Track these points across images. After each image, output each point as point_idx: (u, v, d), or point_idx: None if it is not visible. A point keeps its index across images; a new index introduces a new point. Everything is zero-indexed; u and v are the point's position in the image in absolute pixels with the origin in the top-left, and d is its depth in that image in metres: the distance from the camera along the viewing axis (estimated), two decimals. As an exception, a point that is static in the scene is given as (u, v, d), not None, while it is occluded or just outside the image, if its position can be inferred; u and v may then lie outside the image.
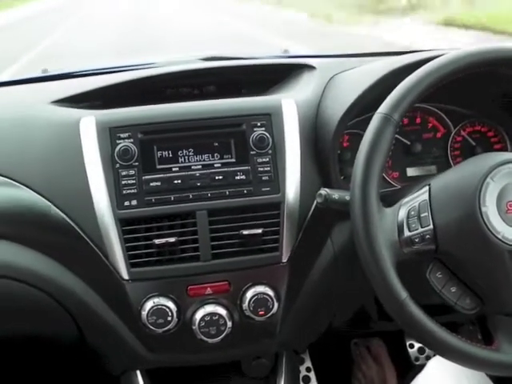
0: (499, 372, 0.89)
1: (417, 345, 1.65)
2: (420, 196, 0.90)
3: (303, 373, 1.58)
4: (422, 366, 1.59)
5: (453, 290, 0.87)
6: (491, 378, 0.98)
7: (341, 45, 7.86)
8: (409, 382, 1.19)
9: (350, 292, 1.15)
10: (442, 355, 0.88)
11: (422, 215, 0.87)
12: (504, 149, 1.23)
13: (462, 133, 1.23)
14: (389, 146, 0.88)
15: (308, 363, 1.59)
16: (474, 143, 1.23)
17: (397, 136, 1.16)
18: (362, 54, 1.41)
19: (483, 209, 0.84)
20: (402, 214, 0.89)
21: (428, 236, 0.86)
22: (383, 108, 0.88)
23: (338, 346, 1.67)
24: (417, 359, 1.63)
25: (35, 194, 1.02)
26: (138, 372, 1.14)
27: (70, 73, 1.39)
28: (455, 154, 1.23)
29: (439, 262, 0.88)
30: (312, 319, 1.14)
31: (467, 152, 1.21)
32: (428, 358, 1.60)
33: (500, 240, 0.83)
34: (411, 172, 1.21)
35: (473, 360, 0.85)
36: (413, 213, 0.88)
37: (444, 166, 1.19)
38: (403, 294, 0.84)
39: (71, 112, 1.09)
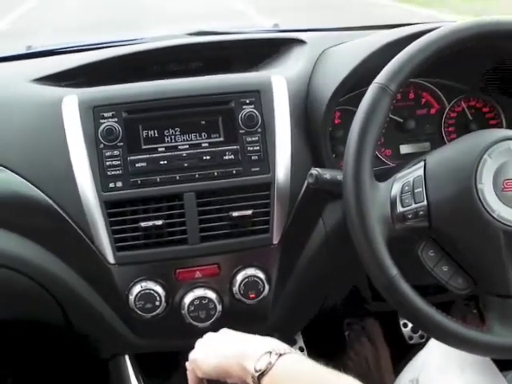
0: (487, 354, 0.88)
1: (410, 324, 1.64)
2: (415, 171, 0.88)
3: None
4: (415, 345, 1.60)
5: (445, 269, 0.86)
6: (495, 362, 0.96)
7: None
8: (403, 361, 1.17)
9: (343, 273, 1.13)
10: (430, 334, 0.86)
11: (416, 191, 0.85)
12: (499, 125, 1.21)
13: (458, 108, 1.20)
14: (384, 118, 0.85)
15: (300, 343, 1.58)
16: (470, 117, 1.20)
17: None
18: (354, 28, 1.39)
19: (479, 186, 0.82)
20: (396, 188, 0.87)
21: (421, 212, 0.84)
22: (380, 78, 0.86)
23: (330, 326, 1.65)
24: (410, 338, 1.62)
25: (17, 176, 1.00)
26: (127, 357, 1.12)
27: (53, 49, 1.35)
28: (449, 131, 1.20)
29: (432, 240, 0.86)
30: (303, 302, 1.12)
31: (461, 128, 1.19)
32: (422, 337, 1.59)
33: (495, 219, 0.81)
34: (404, 149, 1.19)
35: (461, 341, 0.83)
36: (407, 188, 0.86)
37: (438, 143, 1.17)
38: (393, 270, 0.82)
39: (53, 91, 1.06)
